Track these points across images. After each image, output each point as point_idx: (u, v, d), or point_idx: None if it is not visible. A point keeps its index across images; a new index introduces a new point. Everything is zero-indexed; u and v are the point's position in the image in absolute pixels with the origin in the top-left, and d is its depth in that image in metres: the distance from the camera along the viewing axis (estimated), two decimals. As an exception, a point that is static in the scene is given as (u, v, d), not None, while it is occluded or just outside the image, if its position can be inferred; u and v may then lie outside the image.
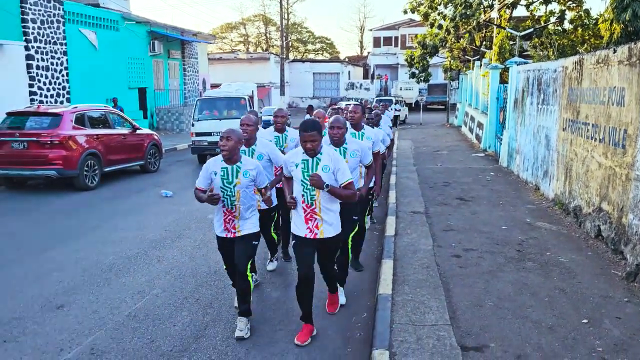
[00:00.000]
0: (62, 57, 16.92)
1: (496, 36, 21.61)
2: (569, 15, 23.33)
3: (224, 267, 4.73)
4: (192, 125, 14.61)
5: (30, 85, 15.62)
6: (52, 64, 16.43)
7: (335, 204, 4.19)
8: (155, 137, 13.50)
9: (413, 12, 28.96)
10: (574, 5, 23.33)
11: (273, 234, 5.83)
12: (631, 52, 5.89)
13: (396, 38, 51.30)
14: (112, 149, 11.62)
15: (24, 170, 10.30)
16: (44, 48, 16.05)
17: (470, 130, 20.12)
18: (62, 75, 16.94)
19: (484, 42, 26.27)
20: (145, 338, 4.34)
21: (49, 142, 10.22)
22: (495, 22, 22.52)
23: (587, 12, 22.63)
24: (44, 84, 16.12)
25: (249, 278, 4.36)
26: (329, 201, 4.12)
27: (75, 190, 10.58)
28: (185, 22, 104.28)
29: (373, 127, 6.80)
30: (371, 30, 56.26)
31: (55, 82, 16.59)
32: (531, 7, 24.64)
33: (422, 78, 31.11)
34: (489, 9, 24.96)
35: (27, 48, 15.44)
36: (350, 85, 46.08)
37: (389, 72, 50.78)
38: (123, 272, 5.91)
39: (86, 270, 5.95)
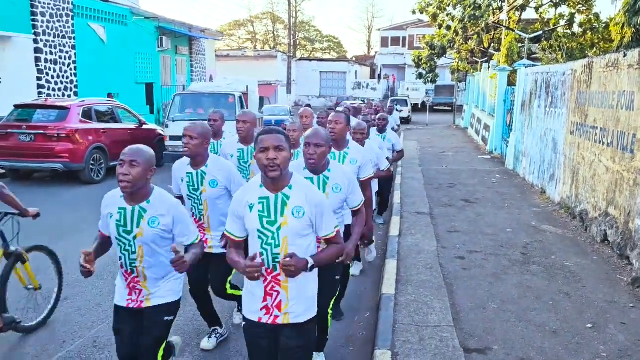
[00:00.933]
0: (71, 51, 16.97)
1: (505, 38, 21.52)
2: (579, 18, 23.23)
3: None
4: (166, 126, 12.31)
5: (39, 79, 15.67)
6: (60, 57, 16.47)
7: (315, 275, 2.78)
8: (161, 133, 13.52)
9: (422, 13, 28.92)
10: (584, 8, 23.22)
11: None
12: (642, 56, 5.84)
13: (404, 38, 51.21)
14: (118, 143, 11.62)
15: (31, 162, 10.34)
16: (53, 42, 16.10)
17: (477, 132, 20.06)
18: (70, 69, 16.98)
19: (492, 44, 26.18)
20: (148, 332, 4.33)
21: (56, 135, 10.25)
22: (504, 24, 22.43)
23: (596, 15, 22.52)
24: (52, 77, 16.17)
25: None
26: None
27: (81, 184, 10.61)
28: (194, 18, 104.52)
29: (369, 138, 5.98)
30: (379, 30, 56.23)
31: (63, 76, 16.63)
32: (540, 10, 24.55)
33: (429, 79, 31.07)
34: (498, 10, 24.86)
35: (35, 41, 15.48)
36: (357, 85, 45.98)
37: (396, 72, 50.71)
38: (127, 266, 5.90)
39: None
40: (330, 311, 3.63)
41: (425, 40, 29.39)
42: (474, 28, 25.74)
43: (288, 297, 2.59)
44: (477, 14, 24.24)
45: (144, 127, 12.76)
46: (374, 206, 6.70)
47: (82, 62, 17.61)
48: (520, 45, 21.27)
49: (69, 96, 16.74)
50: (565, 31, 23.33)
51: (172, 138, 12.05)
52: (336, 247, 2.77)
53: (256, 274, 2.45)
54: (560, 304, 4.78)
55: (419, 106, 38.09)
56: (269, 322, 2.61)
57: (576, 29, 23.40)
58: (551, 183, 9.20)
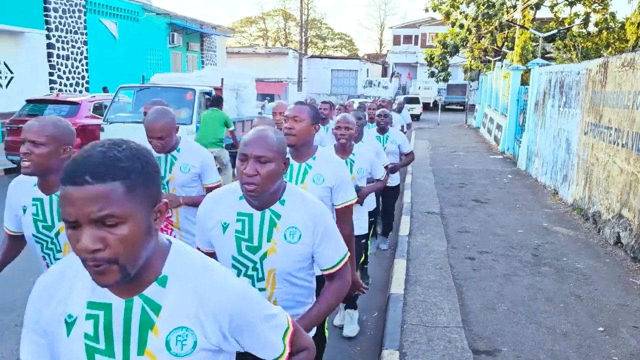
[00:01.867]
0: (83, 47, 17.07)
1: (519, 37, 21.30)
2: (594, 17, 22.92)
3: None
4: (101, 129, 9.72)
5: (51, 74, 15.79)
6: (72, 53, 16.58)
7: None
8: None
9: (434, 11, 28.70)
10: (600, 7, 22.92)
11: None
12: (659, 56, 5.73)
13: (416, 37, 50.96)
14: (128, 138, 11.68)
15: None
16: (65, 37, 16.21)
17: (489, 131, 19.90)
18: (82, 65, 17.09)
19: (506, 43, 25.94)
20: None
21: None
22: (518, 23, 22.21)
23: (612, 15, 22.22)
24: (64, 72, 16.28)
25: None
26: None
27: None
28: (205, 15, 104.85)
29: (378, 134, 5.80)
30: (391, 28, 55.94)
31: (74, 72, 16.75)
32: (555, 9, 24.26)
33: (441, 78, 30.86)
34: (512, 9, 24.62)
35: (48, 37, 15.60)
36: (368, 83, 45.87)
37: (408, 70, 50.48)
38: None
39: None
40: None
41: (437, 39, 29.21)
42: (488, 26, 25.52)
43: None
44: (490, 12, 24.01)
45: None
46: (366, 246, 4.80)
47: (94, 58, 17.72)
48: (534, 44, 21.05)
49: (80, 92, 16.85)
50: (580, 30, 23.04)
51: None
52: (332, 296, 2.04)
53: None
54: (572, 307, 4.70)
55: (431, 105, 37.91)
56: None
57: (591, 28, 23.11)
58: (564, 184, 9.08)
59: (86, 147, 1.11)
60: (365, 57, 57.02)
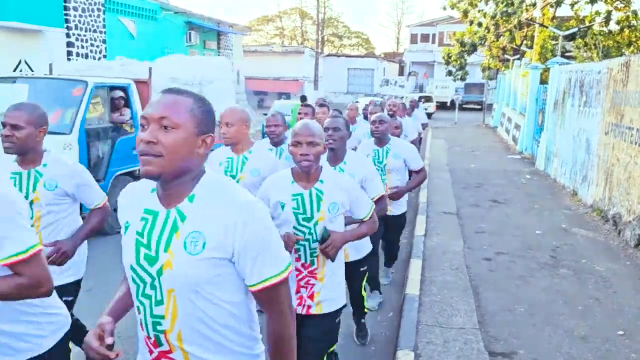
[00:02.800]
0: (101, 45, 17.25)
1: (538, 35, 21.04)
2: (616, 15, 22.51)
3: None
4: None
5: (70, 72, 16.00)
6: (91, 51, 16.76)
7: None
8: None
9: (452, 9, 28.49)
10: (622, 5, 22.50)
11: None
12: (683, 54, 5.61)
13: (434, 35, 50.60)
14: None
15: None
16: (84, 35, 16.40)
17: (507, 131, 19.69)
18: (101, 63, 17.29)
19: (525, 41, 25.63)
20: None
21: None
22: (537, 21, 21.92)
23: (635, 13, 21.80)
24: (84, 70, 16.48)
25: None
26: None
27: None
28: (221, 13, 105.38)
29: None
30: (408, 26, 55.63)
31: (94, 70, 16.94)
32: (576, 7, 23.89)
33: (458, 76, 30.61)
34: (531, 7, 24.31)
35: (68, 35, 15.79)
36: (385, 82, 45.68)
37: (425, 69, 50.16)
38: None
39: (116, 254, 6.02)
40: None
41: (455, 37, 28.97)
42: (506, 25, 25.22)
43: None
44: (509, 10, 23.73)
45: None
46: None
47: (112, 56, 17.89)
48: (553, 42, 20.78)
49: (100, 89, 17.02)
50: (601, 29, 22.65)
51: None
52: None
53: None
54: (590, 310, 4.62)
55: (448, 104, 37.63)
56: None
57: (613, 26, 22.69)
58: (583, 185, 8.94)
59: None
60: (382, 55, 56.81)
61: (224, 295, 1.51)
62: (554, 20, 24.10)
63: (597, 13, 23.26)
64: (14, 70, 13.63)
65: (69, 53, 16.00)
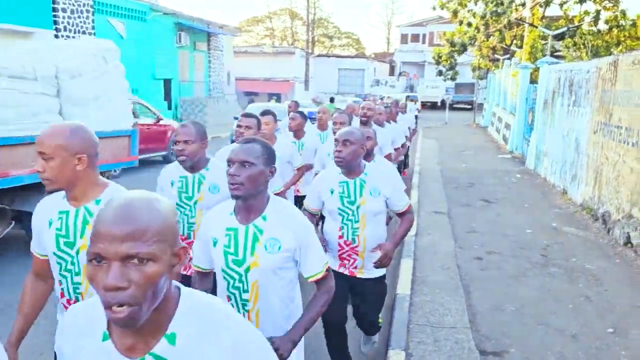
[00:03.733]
0: (91, 46, 17.16)
1: (527, 35, 21.16)
2: (605, 15, 22.69)
3: None
4: None
5: (59, 73, 15.87)
6: (81, 52, 16.66)
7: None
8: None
9: (442, 9, 28.61)
10: (610, 5, 22.68)
11: None
12: (670, 53, 5.65)
13: (424, 35, 50.78)
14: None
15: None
16: (73, 37, 16.27)
17: (497, 130, 19.78)
18: (91, 64, 17.17)
19: (515, 41, 25.78)
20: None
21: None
22: (527, 21, 22.05)
23: (623, 12, 21.98)
24: (73, 72, 16.37)
25: None
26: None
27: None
28: (212, 14, 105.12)
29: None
30: (399, 26, 55.80)
31: (83, 71, 16.83)
32: (565, 7, 24.05)
33: (449, 76, 30.75)
34: (520, 7, 24.46)
35: (56, 37, 15.66)
36: (376, 82, 45.77)
37: (415, 69, 50.31)
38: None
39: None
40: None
41: (445, 37, 29.09)
42: (496, 25, 25.36)
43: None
44: (499, 10, 23.87)
45: (161, 122, 12.81)
46: None
47: (102, 58, 17.79)
48: (543, 42, 20.89)
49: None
50: (590, 28, 22.82)
51: None
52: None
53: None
54: (581, 308, 4.64)
55: (438, 104, 37.75)
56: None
57: (602, 25, 22.87)
58: (573, 184, 9.00)
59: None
60: (373, 56, 56.89)
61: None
62: (544, 20, 24.24)
63: (586, 13, 23.44)
64: None
65: (58, 54, 15.86)
